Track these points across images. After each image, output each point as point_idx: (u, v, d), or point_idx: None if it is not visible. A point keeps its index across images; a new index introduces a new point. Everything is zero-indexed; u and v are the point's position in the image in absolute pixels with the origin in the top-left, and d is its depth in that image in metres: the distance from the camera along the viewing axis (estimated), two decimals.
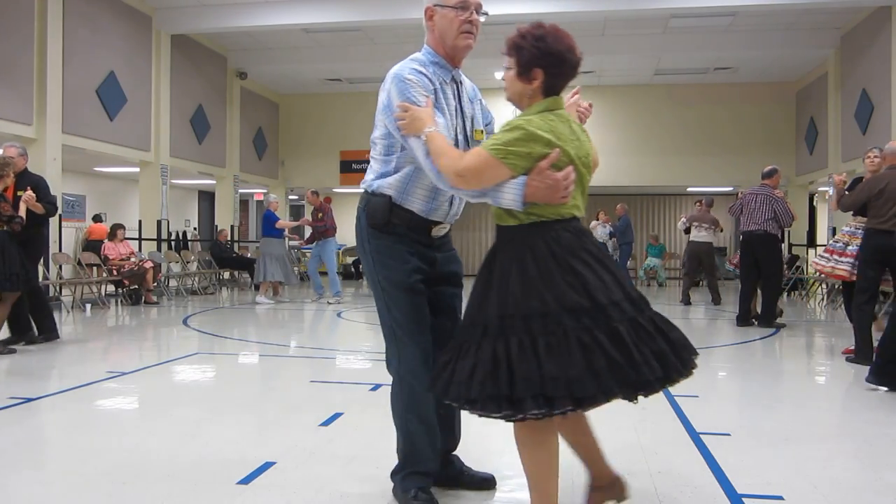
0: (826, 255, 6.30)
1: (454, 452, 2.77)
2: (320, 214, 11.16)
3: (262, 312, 9.63)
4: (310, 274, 11.30)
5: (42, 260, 9.48)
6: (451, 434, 2.72)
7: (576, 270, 2.10)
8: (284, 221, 10.95)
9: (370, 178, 2.51)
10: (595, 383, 2.02)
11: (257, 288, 10.83)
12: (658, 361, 2.09)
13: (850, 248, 6.02)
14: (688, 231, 11.26)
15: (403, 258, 2.43)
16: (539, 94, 2.22)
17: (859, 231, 5.88)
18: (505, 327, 2.09)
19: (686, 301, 11.10)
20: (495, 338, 2.09)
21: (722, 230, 11.68)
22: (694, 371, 2.17)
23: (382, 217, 2.43)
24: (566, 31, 2.23)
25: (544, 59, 2.18)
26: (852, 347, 5.76)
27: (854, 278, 5.80)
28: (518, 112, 2.26)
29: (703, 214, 11.07)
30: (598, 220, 14.59)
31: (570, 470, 2.99)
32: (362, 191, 2.57)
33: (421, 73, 2.39)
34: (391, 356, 2.51)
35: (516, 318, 2.08)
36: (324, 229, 11.18)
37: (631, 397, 2.11)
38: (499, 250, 2.24)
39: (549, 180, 2.11)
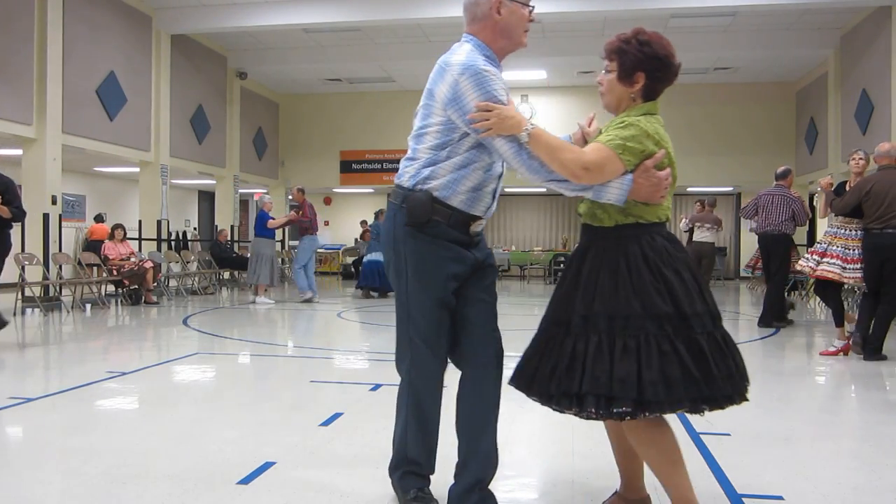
0: (808, 255, 6.43)
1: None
2: (300, 212, 11.11)
3: (261, 312, 9.63)
4: (294, 273, 11.28)
5: (43, 260, 9.52)
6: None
7: (665, 277, 2.13)
8: (274, 220, 10.88)
9: (410, 173, 2.35)
10: (665, 391, 2.05)
11: (256, 290, 10.74)
12: (729, 380, 2.13)
13: (830, 248, 6.12)
14: (690, 231, 11.28)
15: (441, 266, 2.32)
16: (639, 97, 2.26)
17: (841, 231, 6.07)
18: (588, 326, 2.14)
19: None
20: (577, 336, 2.15)
21: (722, 229, 11.70)
22: (744, 401, 2.21)
23: (424, 214, 2.29)
24: (667, 39, 2.28)
25: (648, 64, 2.21)
26: (831, 349, 6.05)
27: (843, 279, 6.00)
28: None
29: (706, 215, 11.17)
30: None
31: (572, 470, 2.99)
32: (395, 186, 2.42)
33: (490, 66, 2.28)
34: (403, 359, 2.44)
35: (600, 317, 2.13)
36: (307, 225, 11.19)
37: (698, 410, 2.11)
38: (589, 250, 2.25)
39: (654, 178, 2.16)
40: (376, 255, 12.26)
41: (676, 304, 2.10)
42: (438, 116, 2.28)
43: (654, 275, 2.13)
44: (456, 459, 2.50)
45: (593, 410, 2.09)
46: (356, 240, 19.30)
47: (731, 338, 2.24)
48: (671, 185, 2.24)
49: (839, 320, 6.14)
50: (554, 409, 2.23)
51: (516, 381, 2.33)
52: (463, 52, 2.27)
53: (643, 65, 2.21)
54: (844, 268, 5.93)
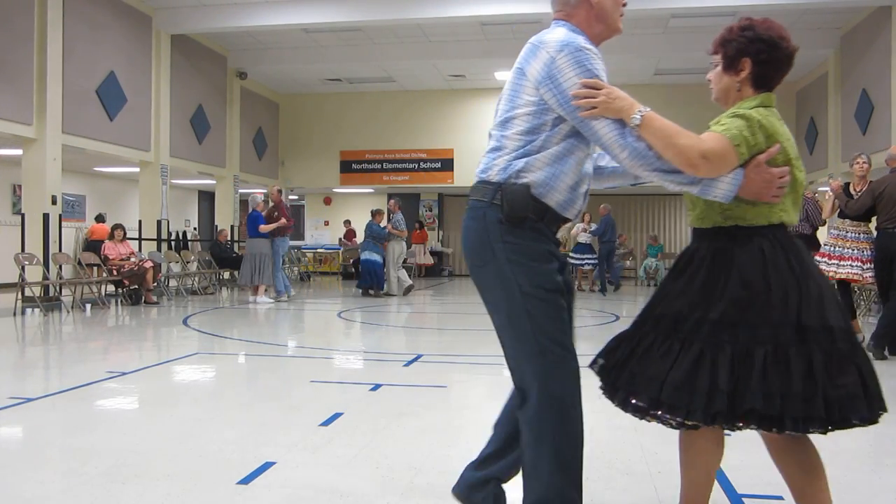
0: (817, 258, 6.48)
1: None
2: (276, 213, 11.10)
3: (262, 312, 9.63)
4: (275, 275, 11.26)
5: (43, 260, 9.52)
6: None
7: (779, 284, 1.95)
8: (266, 226, 10.84)
9: (500, 165, 2.06)
10: (764, 404, 1.89)
11: (256, 290, 10.72)
12: (836, 403, 1.94)
13: (844, 251, 6.28)
14: None
15: (547, 257, 2.06)
16: (748, 86, 2.10)
17: (850, 234, 6.31)
18: (691, 331, 1.98)
19: None
20: (682, 340, 1.99)
21: None
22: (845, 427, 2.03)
23: (524, 208, 2.02)
24: (779, 24, 2.13)
25: (752, 47, 2.06)
26: None
27: (865, 281, 6.28)
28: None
29: None
30: (582, 221, 14.56)
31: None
32: (479, 182, 2.13)
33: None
34: (531, 375, 2.02)
35: (704, 323, 1.97)
36: (287, 227, 11.31)
37: (796, 428, 1.96)
38: (696, 251, 2.09)
39: (767, 175, 1.97)
40: (371, 255, 12.46)
41: (790, 315, 1.92)
42: (529, 97, 2.04)
43: (765, 280, 1.95)
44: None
45: (697, 419, 1.93)
46: (340, 240, 19.32)
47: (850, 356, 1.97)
48: (796, 186, 2.05)
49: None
50: (641, 417, 2.06)
51: (604, 380, 2.14)
52: (560, 31, 2.07)
53: (746, 49, 2.06)
54: (863, 268, 6.20)
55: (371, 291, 12.48)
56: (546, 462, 2.01)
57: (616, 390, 2.09)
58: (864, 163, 6.34)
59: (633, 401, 2.04)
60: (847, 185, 6.56)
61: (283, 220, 11.05)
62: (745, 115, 2.00)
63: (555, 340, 2.04)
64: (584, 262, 14.23)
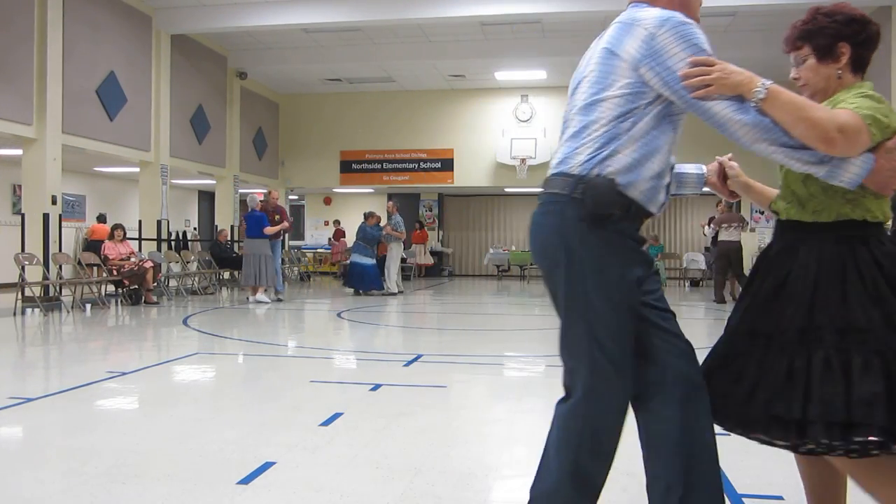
0: None
1: None
2: (276, 216, 11.24)
3: (262, 313, 9.63)
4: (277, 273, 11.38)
5: (43, 260, 9.52)
6: None
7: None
8: (271, 228, 10.90)
9: (584, 154, 1.87)
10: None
11: (255, 290, 10.72)
12: None
13: None
14: (716, 234, 11.61)
15: (631, 269, 1.87)
16: (848, 71, 1.98)
17: None
18: (807, 341, 1.78)
19: (721, 300, 11.28)
20: (790, 352, 1.80)
21: (746, 228, 11.88)
22: None
23: (609, 205, 1.83)
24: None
25: (847, 29, 1.94)
26: None
27: None
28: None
29: (731, 215, 11.49)
30: None
31: None
32: (556, 174, 1.92)
33: None
34: (578, 388, 1.89)
35: (826, 330, 1.77)
36: (290, 229, 11.47)
37: None
38: (797, 251, 1.90)
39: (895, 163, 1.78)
40: (360, 258, 12.63)
41: None
42: (624, 79, 1.85)
43: (889, 281, 1.79)
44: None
45: (824, 441, 1.71)
46: (329, 240, 19.33)
47: None
48: None
49: None
50: (758, 440, 1.91)
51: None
52: (654, 9, 1.91)
53: (842, 33, 1.94)
54: None
55: (360, 292, 12.58)
56: (562, 471, 1.91)
57: (772, 422, 1.84)
58: None
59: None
60: None
61: (286, 224, 11.16)
62: (873, 96, 1.86)
63: (612, 362, 1.86)
64: None
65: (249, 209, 11.10)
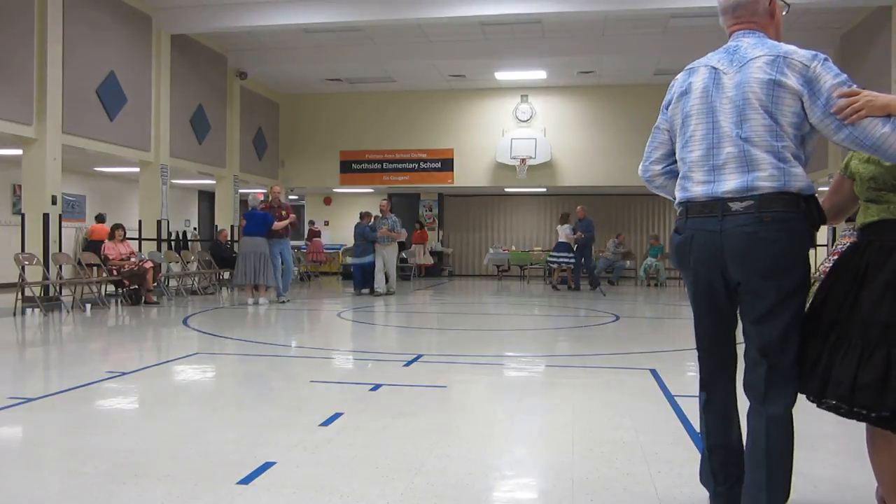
0: (832, 258, 6.50)
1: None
2: (283, 212, 11.08)
3: (262, 313, 9.63)
4: (286, 273, 11.31)
5: (43, 260, 9.52)
6: None
7: None
8: (280, 223, 10.82)
9: (798, 174, 2.12)
10: None
11: (256, 289, 10.66)
12: None
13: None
14: None
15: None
16: None
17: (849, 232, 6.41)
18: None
19: None
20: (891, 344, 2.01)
21: None
22: None
23: (823, 216, 2.20)
24: None
25: None
26: None
27: None
28: None
29: None
30: (567, 223, 14.59)
31: (572, 470, 2.99)
32: (778, 191, 2.12)
33: None
34: (791, 392, 2.19)
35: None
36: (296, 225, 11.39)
37: None
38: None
39: None
40: (363, 258, 12.72)
41: None
42: (792, 107, 2.11)
43: None
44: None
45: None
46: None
47: None
48: None
49: None
50: (871, 420, 2.07)
51: (804, 387, 2.18)
52: (790, 46, 2.19)
53: None
54: None
55: (365, 291, 12.67)
56: (785, 468, 2.19)
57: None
58: None
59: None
60: None
61: (293, 216, 11.10)
62: None
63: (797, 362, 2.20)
64: (560, 261, 14.35)
65: (250, 207, 11.04)
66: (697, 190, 2.22)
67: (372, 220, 13.09)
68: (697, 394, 2.48)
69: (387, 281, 12.81)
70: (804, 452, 3.29)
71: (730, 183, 2.15)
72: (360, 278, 12.92)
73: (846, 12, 11.59)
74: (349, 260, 13.18)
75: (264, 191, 17.56)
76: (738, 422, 2.38)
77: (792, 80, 2.09)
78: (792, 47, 2.16)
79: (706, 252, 2.21)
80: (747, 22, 2.29)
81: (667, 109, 2.43)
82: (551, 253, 14.74)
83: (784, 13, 2.38)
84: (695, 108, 2.26)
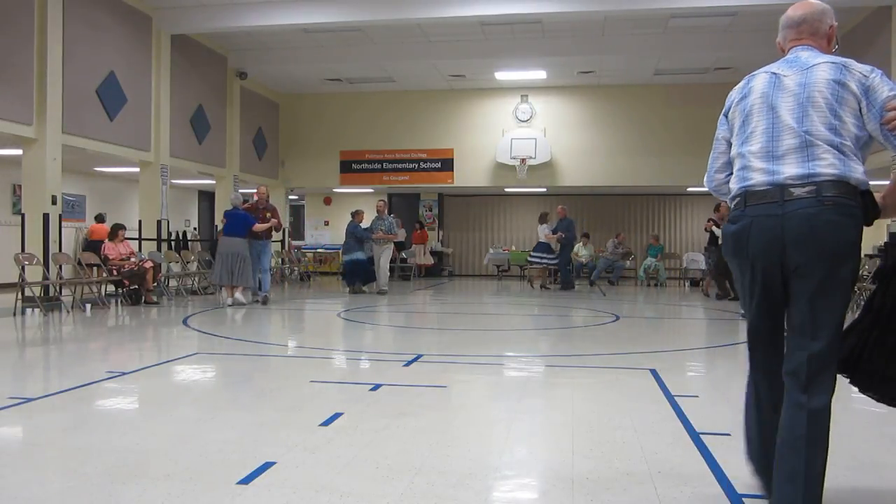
0: None
1: None
2: (268, 214, 10.93)
3: (262, 313, 9.63)
4: (263, 273, 10.96)
5: (43, 260, 9.52)
6: None
7: None
8: (261, 225, 10.58)
9: (858, 169, 2.25)
10: None
11: (232, 290, 10.34)
12: None
13: None
14: (712, 234, 12.03)
15: None
16: None
17: None
18: None
19: (726, 294, 11.61)
20: None
21: None
22: None
23: (877, 210, 2.34)
24: None
25: None
26: None
27: None
28: None
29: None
30: (546, 223, 14.59)
31: (572, 470, 2.99)
32: (839, 180, 2.23)
33: None
34: (831, 381, 2.24)
35: None
36: (279, 227, 11.18)
37: None
38: None
39: None
40: (354, 255, 12.66)
41: None
42: (854, 108, 2.28)
43: None
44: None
45: None
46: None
47: None
48: None
49: None
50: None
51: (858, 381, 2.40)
52: (851, 60, 2.39)
53: None
54: None
55: (365, 289, 12.67)
56: (818, 468, 2.29)
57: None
58: None
59: None
60: None
61: (276, 221, 10.89)
62: None
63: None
64: (542, 261, 14.37)
65: (232, 206, 10.85)
66: (758, 178, 2.29)
67: (362, 218, 13.04)
68: (747, 378, 2.56)
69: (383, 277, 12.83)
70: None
71: (791, 170, 2.24)
72: (350, 275, 12.94)
73: (846, 12, 11.59)
74: (346, 257, 13.15)
75: (252, 189, 17.54)
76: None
77: (854, 85, 2.27)
78: (850, 60, 2.35)
79: (766, 238, 2.25)
80: (808, 38, 2.47)
81: (726, 116, 2.54)
82: (531, 253, 14.78)
83: (834, 49, 2.53)
84: (755, 107, 2.38)
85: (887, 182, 2.45)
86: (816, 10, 2.48)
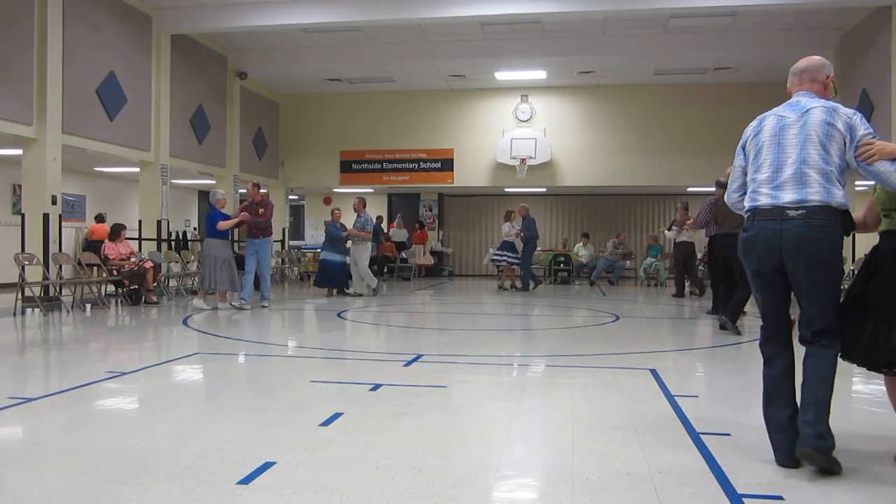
0: None
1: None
2: (261, 210, 10.27)
3: (262, 313, 9.62)
4: (246, 275, 10.10)
5: (43, 260, 9.52)
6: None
7: None
8: (225, 222, 9.87)
9: (839, 194, 3.01)
10: None
11: (223, 296, 9.83)
12: None
13: None
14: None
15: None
16: None
17: None
18: None
19: (680, 293, 12.54)
20: None
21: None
22: None
23: (853, 226, 3.17)
24: None
25: None
26: None
27: None
28: None
29: (686, 217, 12.32)
30: (509, 220, 14.58)
31: (572, 470, 2.99)
32: (821, 205, 2.99)
33: None
34: (832, 345, 3.03)
35: None
36: (265, 226, 10.30)
37: None
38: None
39: None
40: (329, 255, 12.11)
41: None
42: (839, 143, 3.01)
43: None
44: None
45: None
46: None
47: None
48: None
49: None
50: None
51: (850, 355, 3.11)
52: (833, 103, 3.13)
53: None
54: None
55: (336, 292, 12.19)
56: (824, 404, 3.00)
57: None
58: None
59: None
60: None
61: (245, 216, 10.04)
62: None
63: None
64: (503, 260, 14.38)
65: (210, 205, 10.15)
66: (764, 200, 3.09)
67: (339, 217, 12.42)
68: (761, 351, 3.21)
69: (360, 282, 12.19)
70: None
71: (788, 196, 3.03)
72: (320, 275, 12.29)
73: (846, 12, 11.59)
74: (322, 256, 12.44)
75: (263, 191, 17.48)
76: (793, 374, 3.12)
77: (840, 125, 3.02)
78: (838, 104, 3.13)
79: (769, 245, 3.06)
80: (808, 83, 3.23)
81: (743, 149, 3.30)
82: (495, 252, 14.75)
83: (832, 96, 3.26)
84: (766, 143, 3.15)
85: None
86: (816, 63, 3.30)
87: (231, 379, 5.35)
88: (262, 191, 10.72)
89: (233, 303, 9.89)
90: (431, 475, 2.90)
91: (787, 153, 3.05)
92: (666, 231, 13.14)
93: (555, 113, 16.56)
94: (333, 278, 12.17)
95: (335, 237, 12.10)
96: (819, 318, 3.02)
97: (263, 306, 10.13)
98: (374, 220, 17.54)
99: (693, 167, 15.75)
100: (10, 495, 2.65)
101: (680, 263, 12.65)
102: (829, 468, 2.87)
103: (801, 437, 2.90)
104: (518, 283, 14.34)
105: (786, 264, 3.02)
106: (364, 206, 12.50)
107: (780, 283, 3.09)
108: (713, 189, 8.88)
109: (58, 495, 2.69)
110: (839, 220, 2.99)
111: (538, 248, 15.23)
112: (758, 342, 3.29)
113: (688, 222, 10.97)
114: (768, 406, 3.11)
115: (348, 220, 12.76)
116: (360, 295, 12.13)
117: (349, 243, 12.38)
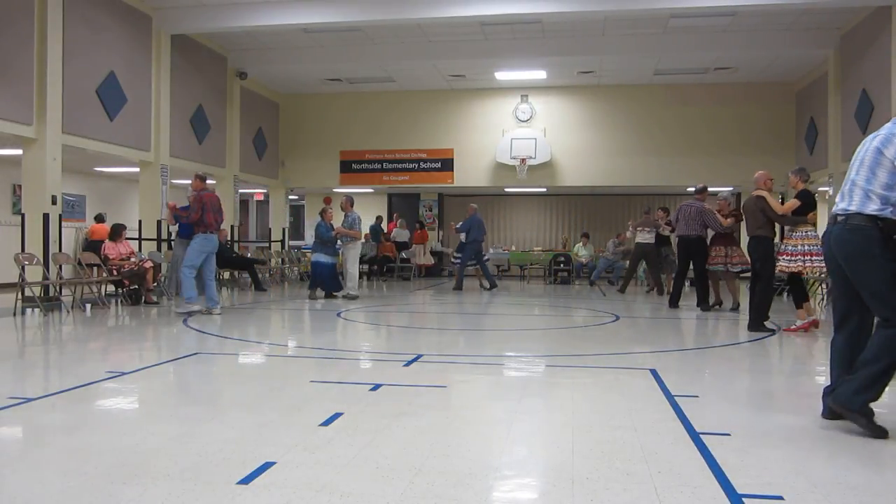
0: (802, 257, 7.40)
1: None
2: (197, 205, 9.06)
3: (262, 313, 9.62)
4: (182, 276, 9.19)
5: (43, 260, 9.52)
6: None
7: None
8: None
9: (868, 206, 3.55)
10: None
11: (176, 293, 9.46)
12: None
13: (789, 248, 7.44)
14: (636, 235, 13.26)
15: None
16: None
17: (809, 233, 7.41)
18: None
19: (624, 290, 13.42)
20: None
21: (663, 231, 12.92)
22: None
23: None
24: None
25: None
26: (794, 327, 7.54)
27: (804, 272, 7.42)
28: None
29: (647, 220, 13.08)
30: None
31: (572, 470, 2.99)
32: (856, 212, 3.58)
33: None
34: (891, 326, 3.47)
35: None
36: (191, 222, 9.14)
37: None
38: None
39: None
40: (319, 257, 11.65)
41: None
42: (887, 168, 3.50)
43: None
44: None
45: None
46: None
47: None
48: None
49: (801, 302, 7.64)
50: None
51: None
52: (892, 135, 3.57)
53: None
54: (804, 261, 7.30)
55: (338, 294, 11.74)
56: (885, 363, 3.54)
57: None
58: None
59: None
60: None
61: (172, 204, 9.35)
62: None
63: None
64: (455, 261, 14.74)
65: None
66: (835, 208, 3.75)
67: (331, 217, 11.95)
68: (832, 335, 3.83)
69: (346, 282, 11.79)
70: (804, 450, 3.31)
71: (840, 206, 3.69)
72: (311, 277, 11.91)
73: (846, 12, 11.60)
74: (314, 258, 11.84)
75: (264, 191, 17.35)
76: (850, 357, 3.67)
77: (889, 152, 3.50)
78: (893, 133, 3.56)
79: (827, 244, 3.76)
80: None
81: None
82: (455, 254, 15.02)
83: None
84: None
85: None
86: None
87: (231, 379, 5.35)
88: (207, 182, 9.71)
89: (176, 309, 9.23)
90: (431, 475, 2.90)
91: (850, 171, 3.70)
92: (629, 230, 13.78)
93: (555, 113, 16.56)
94: (322, 280, 11.76)
95: (325, 238, 11.68)
96: (877, 308, 3.55)
97: (203, 312, 8.99)
98: (374, 221, 17.56)
99: (692, 167, 15.75)
100: (9, 495, 2.65)
101: (636, 263, 13.57)
102: (858, 425, 3.54)
103: (836, 393, 3.59)
104: (485, 283, 14.58)
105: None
106: (352, 206, 12.04)
107: (842, 275, 3.69)
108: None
109: (58, 495, 2.69)
110: (873, 225, 3.51)
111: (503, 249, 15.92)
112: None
113: (665, 224, 12.33)
114: (831, 373, 3.79)
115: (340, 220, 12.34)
116: (354, 297, 11.64)
117: (339, 243, 11.96)
